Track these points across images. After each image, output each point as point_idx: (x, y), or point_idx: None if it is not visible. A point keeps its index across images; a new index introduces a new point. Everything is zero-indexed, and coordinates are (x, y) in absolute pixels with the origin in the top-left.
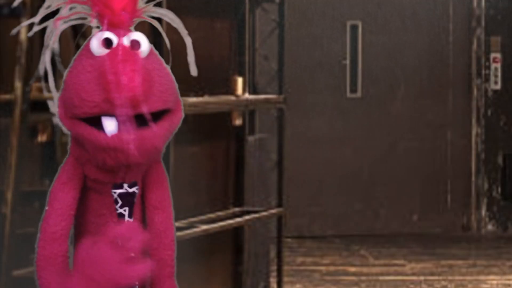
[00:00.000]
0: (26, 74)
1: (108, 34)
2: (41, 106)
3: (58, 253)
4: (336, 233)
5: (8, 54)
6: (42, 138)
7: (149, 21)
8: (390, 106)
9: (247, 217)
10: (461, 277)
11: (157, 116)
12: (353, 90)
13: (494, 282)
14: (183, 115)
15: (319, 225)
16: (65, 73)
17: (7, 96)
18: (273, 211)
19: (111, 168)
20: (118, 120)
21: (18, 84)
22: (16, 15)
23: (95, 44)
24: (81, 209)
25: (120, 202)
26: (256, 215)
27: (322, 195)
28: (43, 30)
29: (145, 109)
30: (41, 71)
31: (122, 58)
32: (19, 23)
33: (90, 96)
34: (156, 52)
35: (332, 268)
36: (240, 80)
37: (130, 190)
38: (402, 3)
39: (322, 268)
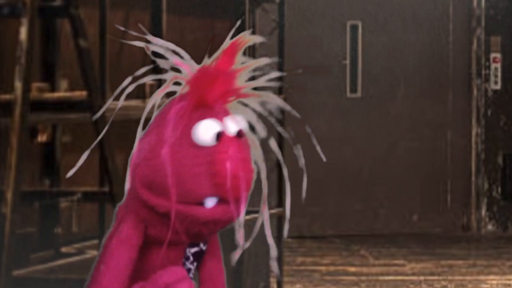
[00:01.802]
0: (26, 74)
1: (216, 126)
2: (41, 106)
3: None
4: (336, 233)
5: (8, 54)
6: (42, 138)
7: (248, 104)
8: (390, 106)
9: (247, 217)
10: (461, 277)
11: None
12: (353, 90)
13: (494, 282)
14: None
15: (319, 225)
16: (141, 140)
17: (7, 96)
18: (273, 211)
19: (201, 235)
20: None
21: (18, 84)
22: (16, 15)
23: (203, 136)
24: (137, 266)
25: (191, 259)
26: (256, 215)
27: (322, 195)
28: (44, 31)
29: (245, 199)
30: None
31: (233, 150)
32: (19, 23)
33: (199, 189)
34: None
35: (332, 268)
36: None
37: (204, 248)
38: (402, 3)
39: (322, 268)
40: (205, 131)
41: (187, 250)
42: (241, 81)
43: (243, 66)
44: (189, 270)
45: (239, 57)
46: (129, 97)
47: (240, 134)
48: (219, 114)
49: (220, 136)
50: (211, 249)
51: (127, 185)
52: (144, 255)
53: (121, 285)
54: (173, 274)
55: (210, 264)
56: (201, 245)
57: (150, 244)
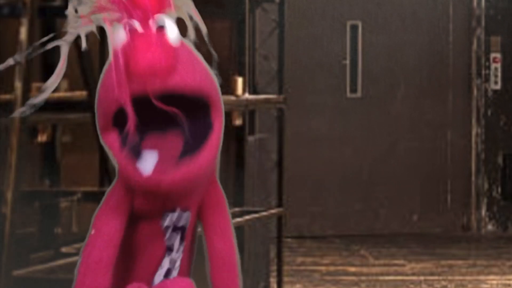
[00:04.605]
0: (26, 74)
1: (133, 23)
2: (41, 106)
3: (100, 283)
4: (336, 233)
5: (8, 54)
6: (42, 138)
7: (180, 15)
8: (390, 106)
9: (247, 217)
10: (461, 277)
11: (196, 110)
12: (353, 90)
13: (494, 282)
14: (223, 115)
15: (319, 225)
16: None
17: (7, 96)
18: (273, 211)
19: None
20: (158, 156)
21: (18, 84)
22: (16, 15)
23: (120, 33)
24: (126, 238)
25: (171, 228)
26: (256, 215)
27: (322, 195)
28: (44, 31)
29: (172, 82)
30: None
31: (145, 37)
32: (19, 23)
33: (112, 83)
34: (192, 49)
35: (332, 268)
36: (240, 80)
37: (184, 214)
38: (402, 3)
39: (322, 268)
40: (122, 30)
41: (161, 222)
42: None
43: None
44: (171, 246)
45: None
46: None
47: (160, 30)
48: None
49: (129, 33)
50: (215, 200)
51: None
52: (130, 230)
53: (113, 252)
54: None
55: (216, 215)
56: (179, 209)
57: (136, 217)
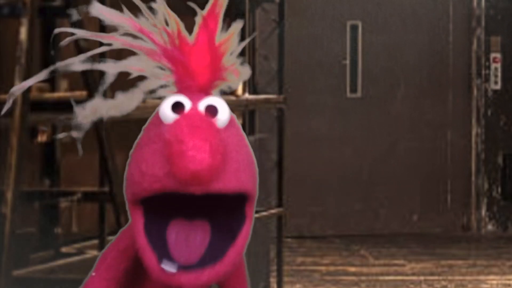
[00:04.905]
0: (26, 74)
1: (179, 98)
2: (41, 106)
3: None
4: (336, 233)
5: (8, 54)
6: (42, 138)
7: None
8: (390, 106)
9: None
10: (461, 277)
11: (231, 198)
12: (353, 90)
13: (494, 282)
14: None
15: (319, 225)
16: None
17: (7, 96)
18: (273, 211)
19: None
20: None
21: (18, 84)
22: (16, 15)
23: (165, 109)
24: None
25: None
26: (256, 215)
27: (322, 195)
28: (44, 31)
29: (215, 188)
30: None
31: (192, 124)
32: (19, 23)
33: (151, 169)
34: (239, 125)
35: (332, 268)
36: None
37: None
38: (402, 3)
39: (322, 268)
40: (167, 105)
41: None
42: (229, 56)
43: (227, 35)
44: None
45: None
46: None
47: (211, 112)
48: (198, 95)
49: (181, 110)
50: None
51: None
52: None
53: None
54: None
55: None
56: None
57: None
